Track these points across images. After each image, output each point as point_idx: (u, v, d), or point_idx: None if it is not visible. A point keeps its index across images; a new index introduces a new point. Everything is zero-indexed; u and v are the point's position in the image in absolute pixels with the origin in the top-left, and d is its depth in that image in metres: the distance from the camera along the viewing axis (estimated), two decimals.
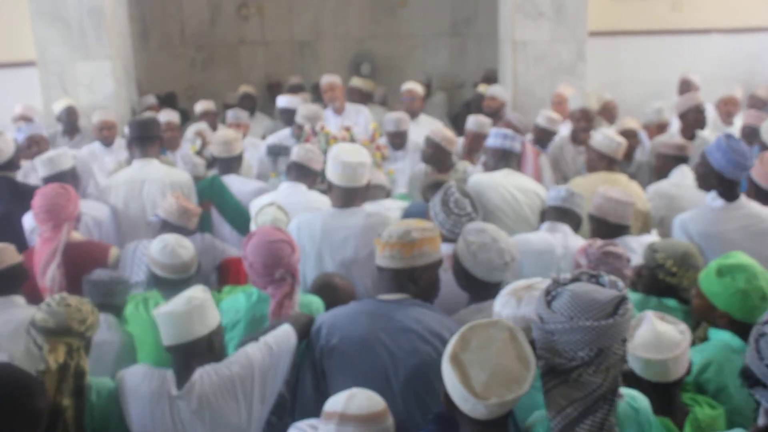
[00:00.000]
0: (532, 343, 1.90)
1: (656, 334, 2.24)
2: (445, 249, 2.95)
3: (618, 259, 2.83)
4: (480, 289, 2.79)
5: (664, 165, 4.49)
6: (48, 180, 4.00)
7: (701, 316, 2.69)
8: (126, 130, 4.74)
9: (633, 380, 2.22)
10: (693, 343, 2.51)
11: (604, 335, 1.71)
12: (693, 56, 7.35)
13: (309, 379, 2.57)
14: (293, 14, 9.52)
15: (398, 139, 5.54)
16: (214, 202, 4.46)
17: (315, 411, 2.29)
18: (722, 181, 3.50)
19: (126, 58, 6.90)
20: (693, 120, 5.25)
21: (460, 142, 5.59)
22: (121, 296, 3.11)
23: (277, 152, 5.28)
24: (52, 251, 3.49)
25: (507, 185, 4.11)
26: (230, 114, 6.37)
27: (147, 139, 4.40)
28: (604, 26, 7.18)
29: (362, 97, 6.98)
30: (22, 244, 3.65)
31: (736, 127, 6.04)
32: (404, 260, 2.53)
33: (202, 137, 5.60)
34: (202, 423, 2.41)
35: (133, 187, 4.28)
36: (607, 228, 3.48)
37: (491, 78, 7.63)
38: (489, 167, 4.35)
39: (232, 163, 4.63)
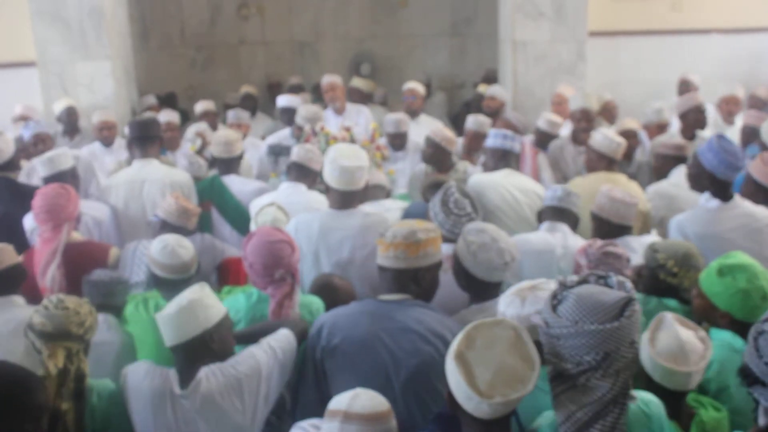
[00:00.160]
0: (537, 343, 1.90)
1: (680, 343, 2.20)
2: (445, 249, 2.95)
3: (618, 259, 2.83)
4: (480, 289, 2.80)
5: (663, 165, 4.50)
6: (48, 180, 3.99)
7: (702, 316, 2.69)
8: (126, 130, 4.73)
9: (643, 381, 2.21)
10: None
11: (610, 339, 1.68)
12: (693, 56, 7.35)
13: (310, 379, 2.57)
14: (293, 14, 9.52)
15: (398, 140, 5.54)
16: (214, 202, 4.46)
17: (316, 411, 2.29)
18: (714, 182, 3.51)
19: (126, 58, 6.90)
20: (693, 120, 5.25)
21: (460, 142, 5.60)
22: (121, 296, 3.11)
23: (278, 152, 5.28)
24: (52, 251, 3.49)
25: (507, 185, 4.11)
26: (231, 114, 6.37)
27: (147, 139, 4.40)
28: (604, 26, 7.18)
29: (362, 98, 6.98)
30: (22, 245, 3.65)
31: (738, 126, 6.03)
32: (408, 261, 2.53)
33: (203, 138, 5.59)
34: (206, 422, 2.42)
35: (133, 188, 4.28)
36: (609, 228, 3.48)
37: (491, 78, 7.63)
38: (489, 167, 4.35)
39: (232, 164, 4.63)
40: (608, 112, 6.34)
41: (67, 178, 4.03)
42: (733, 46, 7.48)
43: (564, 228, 3.52)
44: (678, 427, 2.18)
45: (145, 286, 3.41)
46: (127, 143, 4.74)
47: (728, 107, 6.20)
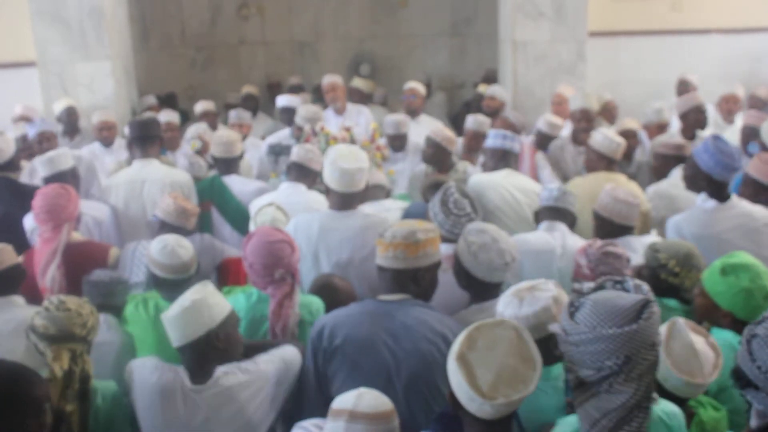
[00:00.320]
0: (537, 342, 1.90)
1: (696, 355, 2.19)
2: (445, 249, 2.95)
3: (618, 259, 2.83)
4: (481, 289, 2.80)
5: (663, 165, 4.49)
6: (48, 180, 3.99)
7: (704, 316, 2.69)
8: (126, 130, 4.74)
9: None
10: None
11: (630, 342, 1.65)
12: (693, 56, 7.35)
13: (311, 380, 2.56)
14: (293, 14, 9.52)
15: (398, 142, 5.54)
16: (215, 202, 4.46)
17: (318, 412, 2.30)
18: (711, 183, 3.51)
19: (126, 59, 6.91)
20: (694, 120, 5.25)
21: (459, 142, 5.60)
22: (121, 296, 3.11)
23: (278, 152, 5.28)
24: (52, 251, 3.49)
25: (507, 185, 4.11)
26: (233, 114, 6.37)
27: (147, 139, 4.40)
28: (604, 26, 7.18)
29: (362, 98, 6.99)
30: (22, 245, 3.65)
31: (738, 126, 6.04)
32: (408, 261, 2.54)
33: (204, 141, 5.59)
34: (220, 416, 2.43)
35: (133, 188, 4.28)
36: (611, 228, 3.48)
37: (491, 78, 7.63)
38: (488, 167, 4.35)
39: (232, 164, 4.64)
40: (608, 112, 6.34)
41: (68, 178, 4.03)
42: (732, 46, 7.48)
43: (562, 227, 3.52)
44: None
45: (145, 287, 3.41)
46: (128, 143, 4.74)
47: (728, 106, 6.20)
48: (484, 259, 2.75)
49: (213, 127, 6.40)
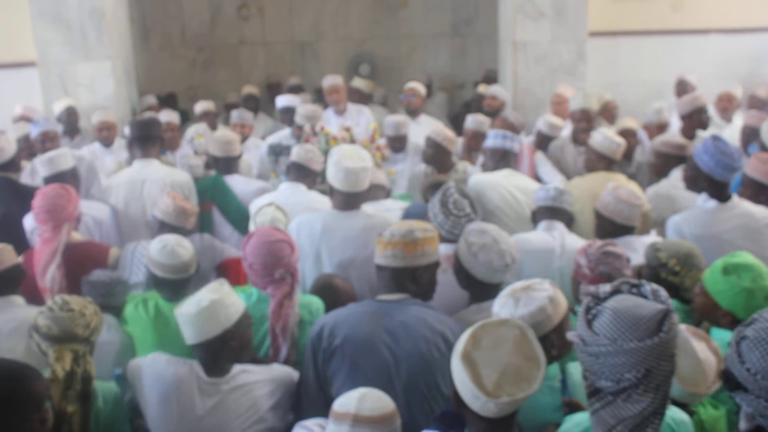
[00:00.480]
0: (541, 339, 1.89)
1: (700, 364, 2.18)
2: (445, 249, 2.95)
3: (618, 258, 2.83)
4: (481, 289, 2.80)
5: (664, 164, 4.47)
6: (48, 180, 4.00)
7: (704, 315, 2.70)
8: (126, 130, 4.73)
9: None
10: None
11: (650, 355, 1.62)
12: (693, 56, 7.35)
13: (311, 380, 2.56)
14: (294, 15, 9.52)
15: (398, 143, 5.54)
16: (216, 202, 4.46)
17: (319, 412, 2.30)
18: (712, 183, 3.51)
19: (126, 59, 6.91)
20: (697, 121, 5.24)
21: (459, 142, 5.60)
22: (121, 297, 3.11)
23: (278, 152, 5.28)
24: (52, 252, 3.49)
25: (507, 185, 4.11)
26: (235, 114, 6.37)
27: (148, 139, 4.40)
28: (604, 26, 7.18)
29: (362, 98, 6.99)
30: (22, 245, 3.65)
31: (735, 125, 6.04)
32: (406, 259, 2.54)
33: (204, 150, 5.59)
34: (236, 411, 2.46)
35: (133, 188, 4.28)
36: (613, 227, 3.47)
37: (491, 78, 7.63)
38: (488, 167, 4.36)
39: (231, 163, 4.64)
40: (608, 112, 6.35)
41: (68, 178, 4.03)
42: (733, 46, 7.47)
43: (561, 227, 3.52)
44: None
45: (145, 287, 3.41)
46: (128, 143, 4.74)
47: (722, 104, 6.21)
48: (484, 259, 2.75)
49: (213, 127, 6.41)
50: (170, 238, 3.18)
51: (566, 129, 5.68)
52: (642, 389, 1.64)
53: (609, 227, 3.48)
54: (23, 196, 3.92)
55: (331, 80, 6.49)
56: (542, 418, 2.24)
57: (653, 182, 4.63)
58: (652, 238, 3.71)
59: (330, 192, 3.45)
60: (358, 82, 7.22)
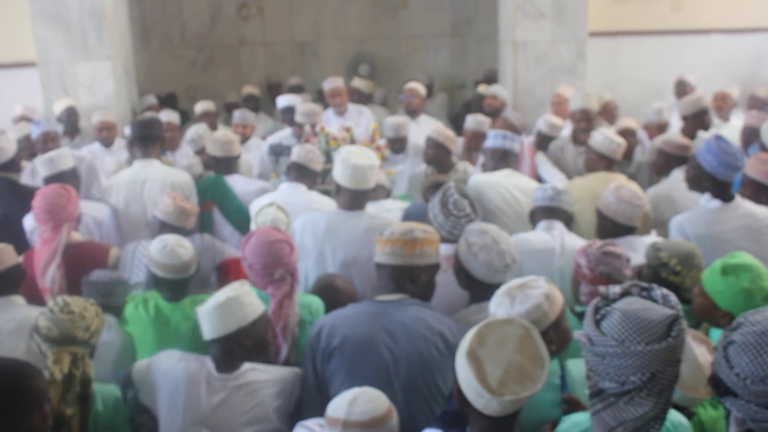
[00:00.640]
0: (543, 334, 1.89)
1: (700, 369, 2.18)
2: (445, 250, 2.95)
3: (618, 258, 2.83)
4: (481, 289, 2.79)
5: (665, 163, 4.46)
6: (48, 180, 4.00)
7: (703, 316, 2.69)
8: (127, 130, 4.73)
9: None
10: None
11: (657, 359, 1.61)
12: (693, 56, 7.35)
13: (311, 381, 2.57)
14: (294, 15, 9.52)
15: (398, 145, 5.53)
16: (217, 202, 4.46)
17: (318, 412, 2.29)
18: (715, 183, 3.51)
19: (126, 59, 6.91)
20: (699, 122, 5.24)
21: (459, 142, 5.60)
22: (121, 297, 3.11)
23: (278, 152, 5.29)
24: (52, 252, 3.49)
25: (507, 185, 4.11)
26: (237, 114, 6.38)
27: (149, 139, 4.40)
28: (604, 26, 7.18)
29: (362, 98, 6.99)
30: (22, 245, 3.65)
31: (732, 124, 6.05)
32: (405, 257, 2.55)
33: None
34: (241, 408, 2.48)
35: (134, 188, 4.28)
36: (614, 227, 3.47)
37: (492, 78, 7.63)
38: (488, 168, 4.36)
39: (231, 163, 4.64)
40: (608, 112, 6.34)
41: (68, 178, 4.03)
42: (733, 47, 7.47)
43: (560, 227, 3.53)
44: None
45: (145, 287, 3.41)
46: (129, 143, 4.74)
47: (717, 103, 6.21)
48: (484, 259, 2.75)
49: (213, 127, 6.41)
50: (170, 238, 3.18)
51: (566, 129, 5.68)
52: (645, 393, 1.63)
53: (610, 227, 3.48)
54: (23, 196, 3.92)
55: (332, 83, 6.47)
56: (541, 415, 2.25)
57: (653, 182, 4.62)
58: (653, 238, 3.71)
59: (336, 191, 3.45)
60: (358, 83, 7.22)
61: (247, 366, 2.55)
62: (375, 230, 3.22)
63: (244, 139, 6.10)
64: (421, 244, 2.57)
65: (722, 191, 3.52)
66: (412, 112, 6.28)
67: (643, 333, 1.62)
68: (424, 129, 5.62)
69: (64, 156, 4.16)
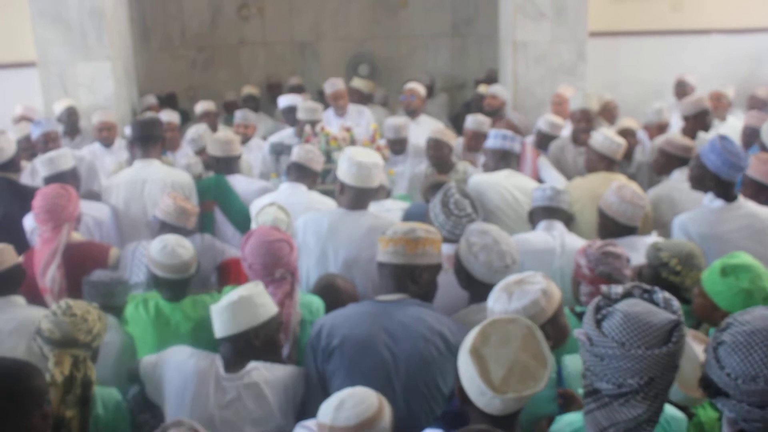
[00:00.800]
0: (542, 328, 1.90)
1: (698, 366, 2.10)
2: (446, 250, 2.95)
3: (617, 258, 2.83)
4: (481, 289, 2.78)
5: (666, 163, 4.45)
6: (48, 180, 4.00)
7: (702, 316, 2.69)
8: (127, 130, 4.73)
9: None
10: None
11: (656, 364, 1.61)
12: (693, 57, 7.35)
13: (313, 380, 2.57)
14: (294, 15, 9.53)
15: (398, 146, 5.53)
16: (219, 202, 4.46)
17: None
18: (718, 183, 3.51)
19: (126, 59, 6.91)
20: (700, 123, 5.24)
21: (459, 142, 5.60)
22: (121, 297, 3.11)
23: (279, 151, 5.29)
24: (52, 252, 3.49)
25: (508, 186, 4.12)
26: (239, 114, 6.38)
27: (149, 139, 4.40)
28: (604, 26, 7.18)
29: (362, 98, 6.98)
30: (22, 245, 3.65)
31: (729, 124, 6.05)
32: (407, 257, 2.55)
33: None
34: (246, 407, 2.49)
35: (134, 188, 4.28)
36: (615, 227, 3.47)
37: (493, 78, 7.63)
38: (489, 168, 4.36)
39: (232, 163, 4.64)
40: (608, 113, 6.35)
41: (68, 178, 4.03)
42: (733, 47, 7.47)
43: (560, 226, 3.53)
44: None
45: (145, 287, 3.41)
46: (129, 143, 4.74)
47: (713, 103, 6.19)
48: (484, 260, 2.75)
49: (213, 127, 6.42)
50: (170, 238, 3.18)
51: (566, 129, 5.68)
52: (641, 396, 1.63)
53: (612, 227, 3.48)
54: (23, 197, 3.92)
55: (334, 86, 6.44)
56: (537, 410, 2.25)
57: (653, 182, 4.62)
58: (654, 238, 3.71)
59: (340, 189, 3.46)
60: (358, 83, 7.22)
61: (251, 365, 2.56)
62: (377, 230, 3.23)
63: (246, 139, 6.10)
64: (423, 243, 2.57)
65: (725, 191, 3.53)
66: (412, 113, 6.28)
67: (644, 337, 1.62)
68: (424, 129, 5.62)
69: (64, 156, 4.16)
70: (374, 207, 3.83)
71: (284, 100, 6.42)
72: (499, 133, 4.39)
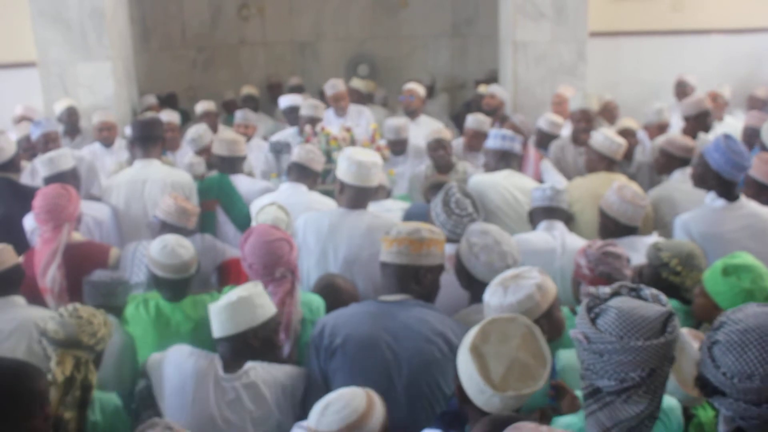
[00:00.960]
0: (534, 323, 1.90)
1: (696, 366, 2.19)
2: (447, 249, 2.95)
3: (618, 258, 2.83)
4: (481, 289, 2.76)
5: (667, 163, 4.45)
6: (49, 180, 4.00)
7: (703, 316, 2.69)
8: (127, 130, 4.73)
9: None
10: None
11: (656, 355, 1.62)
12: (693, 57, 7.35)
13: (316, 379, 2.57)
14: (294, 15, 9.53)
15: (399, 147, 5.54)
16: (221, 202, 4.46)
17: None
18: (720, 182, 3.51)
19: (127, 59, 6.91)
20: (701, 123, 5.24)
21: (459, 142, 5.61)
22: (122, 297, 3.11)
23: (278, 149, 5.29)
24: (53, 252, 3.49)
25: (508, 186, 4.12)
26: (239, 114, 6.38)
27: (150, 139, 4.40)
28: (604, 26, 7.18)
29: (361, 98, 6.98)
30: (23, 245, 3.65)
31: (726, 123, 6.06)
32: (411, 257, 2.56)
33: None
34: (244, 408, 2.49)
35: (134, 188, 4.28)
36: (616, 227, 3.47)
37: (494, 79, 7.63)
38: (489, 168, 4.37)
39: (236, 164, 4.65)
40: (609, 113, 6.35)
41: (68, 178, 4.03)
42: (733, 47, 7.48)
43: (561, 226, 3.54)
44: None
45: (146, 287, 3.41)
46: (129, 143, 4.74)
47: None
48: (485, 260, 2.75)
49: (213, 127, 6.41)
50: (170, 238, 3.18)
51: (566, 129, 5.68)
52: (644, 390, 1.64)
53: (612, 227, 3.48)
54: (23, 197, 3.92)
55: (335, 88, 6.42)
56: (530, 401, 2.25)
57: (653, 182, 4.61)
58: (655, 238, 3.71)
59: (340, 189, 3.46)
60: (357, 83, 7.22)
61: (249, 365, 2.56)
62: (377, 229, 3.25)
63: (246, 139, 6.10)
64: (427, 244, 2.57)
65: (727, 190, 3.52)
66: (412, 113, 6.28)
67: (641, 329, 1.63)
68: (423, 130, 5.63)
69: (64, 156, 4.16)
70: (375, 207, 3.84)
71: (285, 101, 6.43)
72: (499, 133, 4.40)
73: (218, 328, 2.57)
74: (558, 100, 6.24)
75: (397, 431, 2.20)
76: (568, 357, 2.41)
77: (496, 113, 6.14)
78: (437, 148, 4.98)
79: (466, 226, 3.13)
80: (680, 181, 4.27)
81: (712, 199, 3.57)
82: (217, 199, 4.45)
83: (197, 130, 5.71)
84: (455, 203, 3.36)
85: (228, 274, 3.84)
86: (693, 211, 3.63)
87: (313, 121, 5.51)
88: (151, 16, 8.95)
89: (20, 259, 3.18)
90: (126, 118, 6.49)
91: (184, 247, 3.16)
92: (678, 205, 4.05)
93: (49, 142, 5.15)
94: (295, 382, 2.59)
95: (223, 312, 2.54)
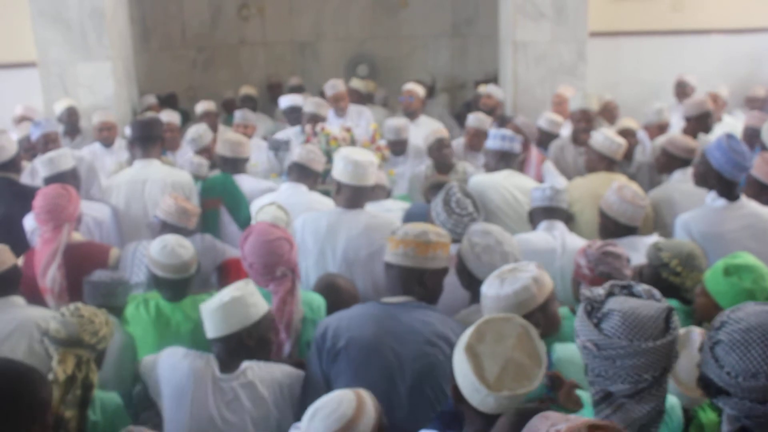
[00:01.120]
0: (526, 318, 1.90)
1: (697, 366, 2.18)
2: None
3: (617, 258, 2.83)
4: None
5: (668, 163, 4.45)
6: (49, 180, 3.99)
7: (704, 316, 2.69)
8: (127, 130, 4.73)
9: None
10: None
11: (667, 354, 1.64)
12: (693, 57, 7.35)
13: (317, 380, 2.56)
14: (294, 15, 9.52)
15: (399, 147, 5.54)
16: (225, 201, 4.46)
17: None
18: (721, 181, 3.51)
19: (127, 59, 6.91)
20: (703, 124, 5.24)
21: (459, 142, 5.61)
22: (122, 297, 3.11)
23: (277, 146, 5.29)
24: (53, 252, 3.49)
25: (508, 186, 4.12)
26: (238, 115, 6.38)
27: (149, 139, 4.40)
28: (604, 27, 7.18)
29: (360, 98, 6.98)
30: (23, 245, 3.65)
31: (725, 122, 6.05)
32: (417, 260, 2.55)
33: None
34: (243, 408, 2.48)
35: (134, 188, 4.28)
36: (616, 227, 3.47)
37: (494, 79, 7.63)
38: (489, 168, 4.37)
39: (239, 164, 4.65)
40: (609, 113, 6.35)
41: (68, 178, 4.03)
42: (733, 47, 7.47)
43: (561, 226, 3.54)
44: None
45: (146, 287, 3.41)
46: (129, 143, 4.74)
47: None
48: (487, 260, 2.75)
49: (213, 127, 6.41)
50: (170, 238, 3.18)
51: (566, 129, 5.68)
52: (657, 388, 1.65)
53: (612, 227, 3.48)
54: (24, 197, 3.91)
55: (335, 89, 6.40)
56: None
57: (653, 182, 4.61)
58: (655, 238, 3.71)
59: (336, 189, 3.46)
60: (356, 83, 7.22)
61: (245, 364, 2.55)
62: (374, 228, 3.25)
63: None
64: (434, 247, 2.57)
65: (728, 190, 3.52)
66: (411, 114, 6.27)
67: (647, 329, 1.64)
68: (423, 130, 5.63)
69: (64, 156, 4.15)
70: (375, 207, 3.84)
71: (285, 101, 6.43)
72: (498, 133, 4.40)
73: (212, 329, 2.55)
74: (558, 100, 6.24)
75: None
76: (563, 349, 2.41)
77: (494, 113, 6.14)
78: (441, 148, 4.99)
79: (467, 225, 3.14)
80: (680, 181, 4.27)
81: (712, 199, 3.57)
82: (220, 197, 4.44)
83: (197, 130, 5.71)
84: (456, 203, 3.36)
85: (228, 274, 3.84)
86: (694, 210, 3.63)
87: (317, 118, 5.51)
88: (151, 16, 8.95)
89: (18, 260, 3.18)
90: (126, 118, 6.48)
91: (184, 247, 3.16)
92: (678, 205, 4.05)
93: (49, 142, 5.14)
94: (292, 381, 2.59)
95: (215, 313, 2.52)
